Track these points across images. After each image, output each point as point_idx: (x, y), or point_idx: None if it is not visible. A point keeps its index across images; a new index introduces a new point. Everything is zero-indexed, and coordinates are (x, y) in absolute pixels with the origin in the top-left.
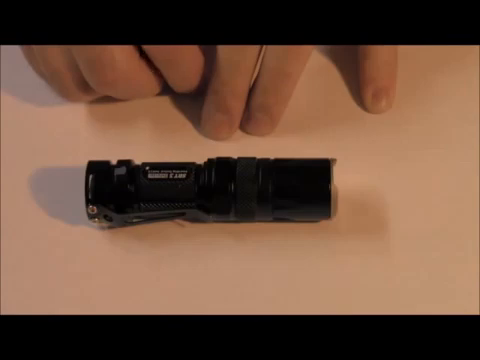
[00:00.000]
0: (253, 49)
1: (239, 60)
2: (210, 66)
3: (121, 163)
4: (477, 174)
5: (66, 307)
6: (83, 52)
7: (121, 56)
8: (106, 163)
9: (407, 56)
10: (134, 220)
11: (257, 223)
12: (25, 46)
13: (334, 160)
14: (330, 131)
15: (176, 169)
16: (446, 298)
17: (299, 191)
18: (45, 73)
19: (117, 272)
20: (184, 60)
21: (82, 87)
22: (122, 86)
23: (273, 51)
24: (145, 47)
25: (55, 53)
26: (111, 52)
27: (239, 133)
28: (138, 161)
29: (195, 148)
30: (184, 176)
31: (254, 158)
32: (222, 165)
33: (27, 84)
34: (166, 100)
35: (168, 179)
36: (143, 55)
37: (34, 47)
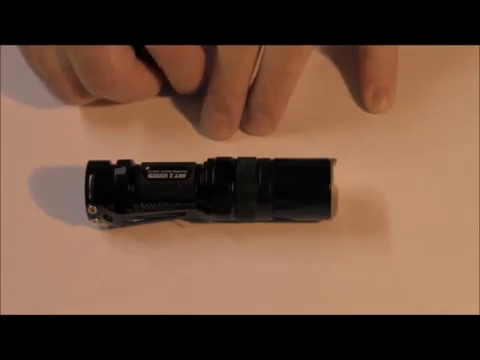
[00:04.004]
0: (253, 48)
1: (239, 59)
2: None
3: (121, 163)
4: (477, 174)
5: (66, 307)
6: (79, 55)
7: (117, 58)
8: (106, 163)
9: (407, 56)
10: (134, 220)
11: (257, 223)
12: (23, 47)
13: (334, 160)
14: (330, 131)
15: (176, 169)
16: (446, 298)
17: (299, 191)
18: (43, 75)
19: (117, 272)
20: (187, 59)
21: (79, 90)
22: (120, 89)
23: (273, 50)
24: (149, 47)
25: (52, 55)
26: (107, 54)
27: (239, 133)
28: (138, 161)
29: (195, 148)
30: (184, 176)
31: (254, 158)
32: (222, 165)
33: (27, 84)
34: (166, 100)
35: (168, 179)
36: (139, 56)
37: (31, 48)
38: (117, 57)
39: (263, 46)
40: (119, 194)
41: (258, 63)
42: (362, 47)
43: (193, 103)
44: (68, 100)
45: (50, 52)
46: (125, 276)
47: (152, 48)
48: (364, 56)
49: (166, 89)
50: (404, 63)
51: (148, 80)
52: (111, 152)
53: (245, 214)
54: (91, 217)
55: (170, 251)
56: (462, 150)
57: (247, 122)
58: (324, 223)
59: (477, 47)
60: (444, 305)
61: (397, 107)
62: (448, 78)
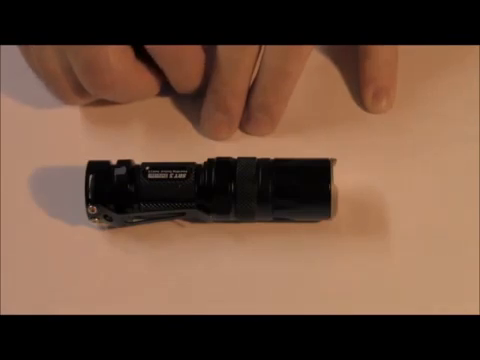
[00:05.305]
0: (253, 48)
1: (239, 59)
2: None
3: (121, 163)
4: (477, 174)
5: (66, 307)
6: (78, 55)
7: (116, 58)
8: (106, 163)
9: (407, 56)
10: (134, 220)
11: (257, 223)
12: (23, 47)
13: (334, 160)
14: (330, 131)
15: (176, 169)
16: (446, 298)
17: (299, 191)
18: (42, 75)
19: (117, 272)
20: (187, 59)
21: (79, 90)
22: (119, 89)
23: (273, 50)
24: (148, 47)
25: (51, 55)
26: (106, 54)
27: (239, 133)
28: (138, 161)
29: (195, 148)
30: (184, 176)
31: (254, 158)
32: (222, 165)
33: (27, 84)
34: (166, 100)
35: (168, 179)
36: (139, 56)
37: (31, 48)
38: (116, 57)
39: (263, 46)
40: (119, 194)
41: (258, 63)
42: (362, 47)
43: (193, 103)
44: (68, 100)
45: (50, 52)
46: (125, 276)
47: (152, 48)
48: (364, 56)
49: (166, 89)
50: (404, 63)
51: (148, 80)
52: (111, 152)
53: (245, 214)
54: (91, 217)
55: (170, 251)
56: (462, 150)
57: (247, 122)
58: (324, 223)
59: (477, 47)
60: (444, 305)
61: (397, 107)
62: (448, 78)
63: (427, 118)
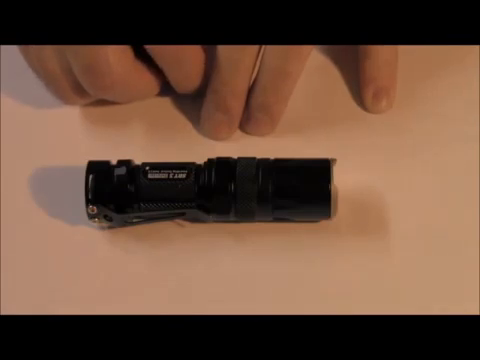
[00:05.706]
0: (253, 48)
1: (239, 59)
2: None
3: (121, 163)
4: (477, 174)
5: (66, 307)
6: (78, 56)
7: (116, 59)
8: (106, 163)
9: (407, 56)
10: (134, 220)
11: (257, 223)
12: (23, 47)
13: (334, 160)
14: (330, 131)
15: (176, 169)
16: (446, 298)
17: (299, 191)
18: (42, 75)
19: (117, 272)
20: (187, 59)
21: (78, 91)
22: (119, 89)
23: (273, 50)
24: (148, 47)
25: (51, 55)
26: (106, 55)
27: (239, 133)
28: (138, 161)
29: (195, 148)
30: (184, 176)
31: (254, 158)
32: (222, 165)
33: (27, 84)
34: (166, 100)
35: (168, 179)
36: (138, 56)
37: (31, 48)
38: (116, 58)
39: (263, 46)
40: (119, 194)
41: (258, 63)
42: (362, 47)
43: (193, 103)
44: (68, 100)
45: (49, 52)
46: (125, 276)
47: (152, 48)
48: (364, 56)
49: (166, 89)
50: (404, 63)
51: (148, 80)
52: (111, 152)
53: (245, 214)
54: (91, 217)
55: (170, 251)
56: (462, 150)
57: (247, 122)
58: (324, 223)
59: (477, 47)
60: (444, 305)
61: (397, 107)
62: (448, 78)
63: (427, 118)
